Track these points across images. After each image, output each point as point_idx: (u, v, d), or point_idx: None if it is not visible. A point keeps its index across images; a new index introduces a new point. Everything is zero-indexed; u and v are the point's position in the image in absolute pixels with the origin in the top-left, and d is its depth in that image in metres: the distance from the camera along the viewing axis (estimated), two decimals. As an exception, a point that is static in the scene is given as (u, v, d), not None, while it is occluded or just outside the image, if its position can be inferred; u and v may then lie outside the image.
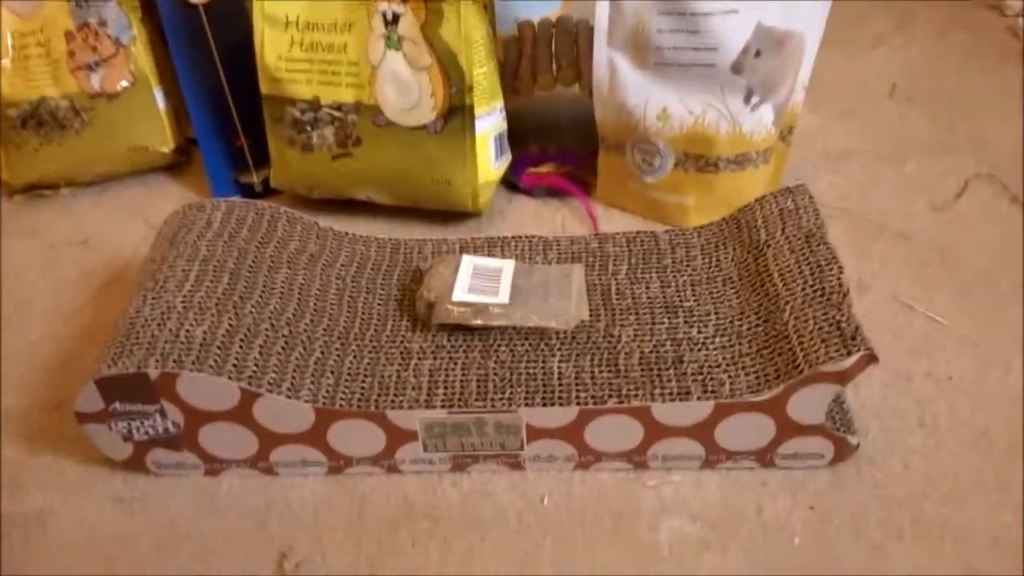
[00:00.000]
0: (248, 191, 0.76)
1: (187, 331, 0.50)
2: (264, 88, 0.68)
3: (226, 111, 0.73)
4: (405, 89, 0.65)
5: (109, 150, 0.76)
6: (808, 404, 0.48)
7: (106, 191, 0.79)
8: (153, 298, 0.52)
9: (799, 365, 0.47)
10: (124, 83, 0.74)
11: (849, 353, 0.46)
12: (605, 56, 0.65)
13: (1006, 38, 0.94)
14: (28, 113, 0.73)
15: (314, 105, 0.67)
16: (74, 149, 0.75)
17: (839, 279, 0.51)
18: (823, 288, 0.51)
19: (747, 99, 0.63)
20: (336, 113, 0.67)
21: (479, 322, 0.53)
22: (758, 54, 0.61)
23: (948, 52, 0.92)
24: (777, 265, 0.54)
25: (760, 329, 0.52)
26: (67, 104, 0.73)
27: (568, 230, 0.71)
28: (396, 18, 0.63)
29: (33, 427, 0.57)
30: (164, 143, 0.77)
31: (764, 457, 0.51)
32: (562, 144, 0.76)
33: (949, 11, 0.99)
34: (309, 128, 0.68)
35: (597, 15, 0.64)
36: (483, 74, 0.65)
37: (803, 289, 0.51)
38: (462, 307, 0.54)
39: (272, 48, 0.66)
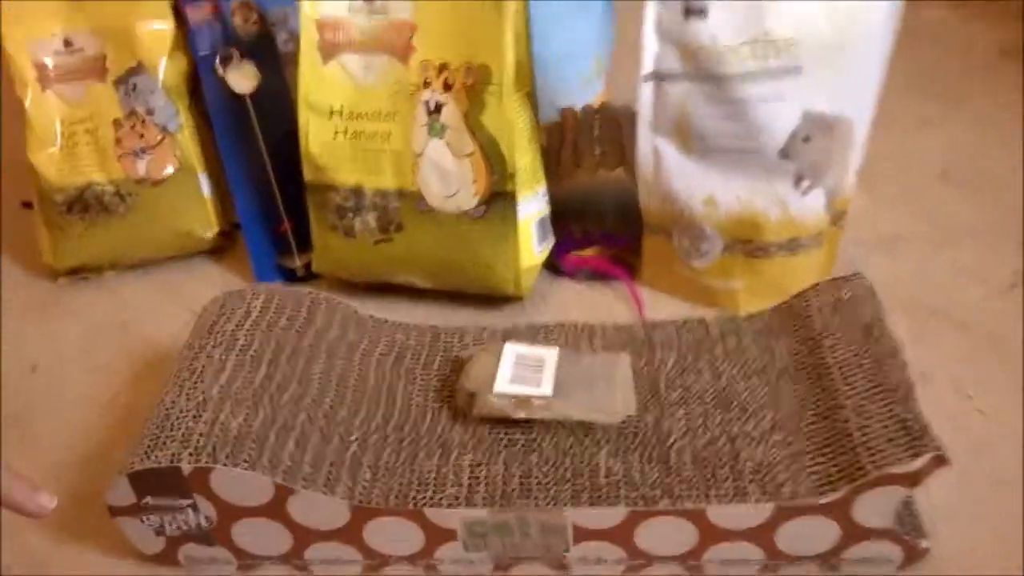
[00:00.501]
0: (290, 275, 0.76)
1: (222, 423, 0.48)
2: (308, 176, 0.68)
3: (270, 196, 0.73)
4: (447, 176, 0.64)
5: (153, 235, 0.76)
6: (875, 507, 0.45)
7: (149, 275, 0.79)
8: (189, 389, 0.51)
9: (863, 466, 0.45)
10: (170, 169, 0.74)
11: (917, 454, 0.44)
12: (649, 143, 0.65)
13: (1057, 120, 0.92)
14: (74, 198, 0.74)
15: (357, 192, 0.67)
16: (118, 234, 0.75)
17: (903, 374, 0.48)
18: (886, 383, 0.48)
19: (797, 183, 0.61)
20: (378, 200, 0.66)
21: (522, 415, 0.51)
22: (807, 139, 0.60)
23: (997, 135, 0.90)
24: (835, 357, 0.52)
25: (820, 426, 0.49)
26: (113, 189, 0.74)
27: (612, 314, 0.69)
28: (439, 107, 0.64)
29: (64, 517, 0.55)
30: (208, 228, 0.77)
31: (828, 562, 0.47)
32: (605, 227, 0.75)
33: (998, 94, 0.98)
34: (351, 214, 0.68)
35: (640, 102, 0.64)
36: (525, 160, 0.65)
37: (864, 384, 0.49)
38: (504, 399, 0.52)
39: (316, 137, 0.67)
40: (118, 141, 0.73)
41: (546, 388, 0.52)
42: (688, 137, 0.63)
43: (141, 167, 0.74)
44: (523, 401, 0.52)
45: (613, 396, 0.52)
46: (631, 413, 0.52)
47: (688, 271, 0.68)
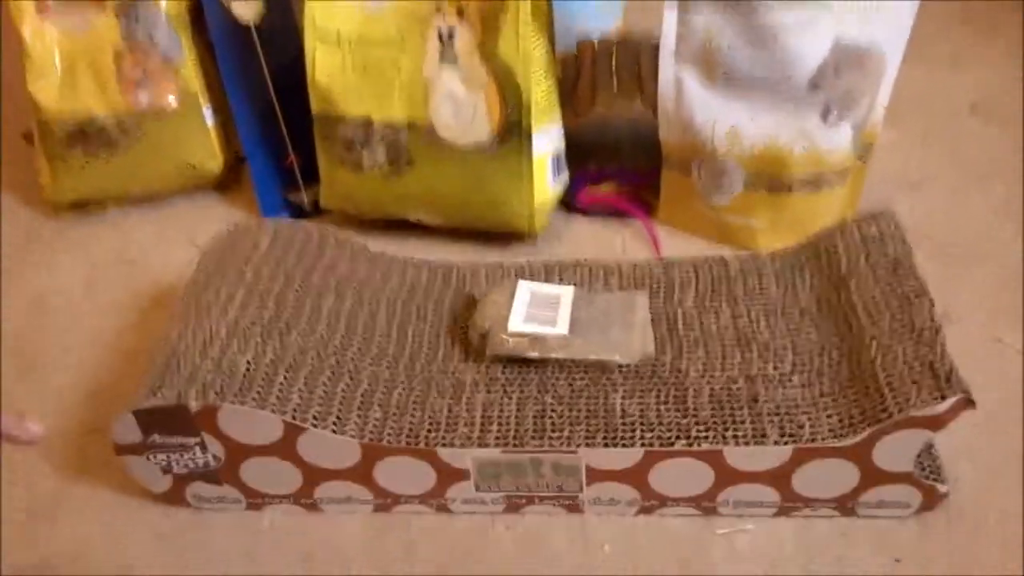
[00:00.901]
0: (297, 210, 0.74)
1: (230, 360, 0.47)
2: (315, 107, 0.66)
3: (276, 128, 0.71)
4: (460, 107, 0.62)
5: (156, 168, 0.75)
6: (896, 451, 0.44)
7: (153, 209, 0.77)
8: (196, 324, 0.50)
9: (887, 408, 0.43)
10: (172, 101, 0.72)
11: (944, 397, 0.42)
12: (671, 73, 0.62)
13: (1093, 53, 0.89)
14: (75, 130, 0.72)
15: (366, 124, 0.65)
16: (121, 167, 0.74)
17: (930, 314, 0.47)
18: (912, 323, 0.47)
19: (824, 116, 0.59)
20: (388, 132, 0.64)
21: (536, 354, 0.50)
22: (837, 70, 0.58)
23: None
24: (861, 297, 0.50)
25: (843, 367, 0.48)
26: (114, 121, 0.72)
27: (628, 253, 0.68)
28: (452, 34, 0.61)
29: (71, 453, 0.55)
30: (212, 161, 0.75)
31: (845, 505, 0.47)
32: (622, 162, 0.73)
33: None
34: (360, 147, 0.66)
35: (663, 30, 0.61)
36: (541, 92, 0.62)
37: (890, 324, 0.47)
38: (518, 337, 0.51)
39: (323, 66, 0.64)
40: (119, 72, 0.71)
41: (561, 327, 0.51)
42: (712, 66, 0.60)
43: (143, 98, 0.72)
44: (537, 340, 0.50)
45: (630, 335, 0.51)
46: (649, 353, 0.51)
47: (707, 208, 0.66)
